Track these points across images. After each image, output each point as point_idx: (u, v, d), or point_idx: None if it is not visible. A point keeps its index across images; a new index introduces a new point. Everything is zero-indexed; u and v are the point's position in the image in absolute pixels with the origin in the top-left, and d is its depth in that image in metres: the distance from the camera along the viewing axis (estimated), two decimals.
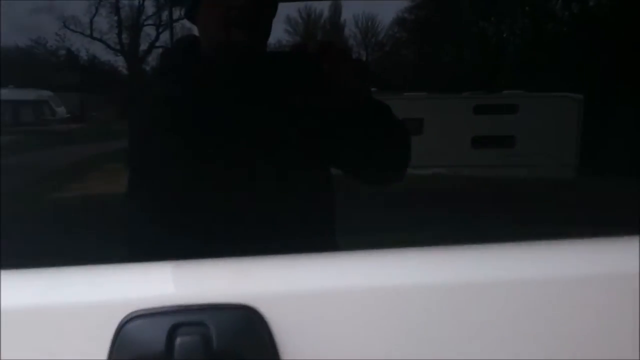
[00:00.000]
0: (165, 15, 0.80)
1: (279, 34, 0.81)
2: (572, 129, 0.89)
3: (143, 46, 0.82)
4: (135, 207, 0.82)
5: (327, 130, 0.81)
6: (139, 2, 0.80)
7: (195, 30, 0.80)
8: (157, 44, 0.81)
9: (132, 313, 0.65)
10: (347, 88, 0.79)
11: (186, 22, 0.81)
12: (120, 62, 0.82)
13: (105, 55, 0.80)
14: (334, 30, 0.85)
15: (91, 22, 0.78)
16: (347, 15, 0.85)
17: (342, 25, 0.85)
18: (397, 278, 0.71)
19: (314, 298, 0.69)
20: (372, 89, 0.87)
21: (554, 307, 0.70)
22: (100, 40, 0.79)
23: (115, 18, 0.79)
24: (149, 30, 0.80)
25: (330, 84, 0.79)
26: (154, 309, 0.65)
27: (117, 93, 0.85)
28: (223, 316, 0.66)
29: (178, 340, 0.63)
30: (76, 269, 0.71)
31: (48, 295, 0.69)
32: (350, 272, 0.72)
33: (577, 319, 0.70)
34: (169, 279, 0.72)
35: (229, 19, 0.78)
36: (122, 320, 0.65)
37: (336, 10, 0.84)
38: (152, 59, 0.84)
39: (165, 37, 0.81)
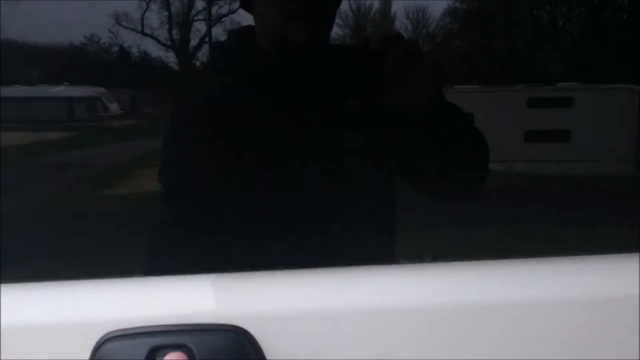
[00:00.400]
0: (215, 9, 0.80)
1: None
2: (633, 122, 0.86)
3: (194, 41, 0.82)
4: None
5: (392, 135, 0.74)
6: None
7: (250, 22, 0.77)
8: (207, 38, 0.80)
9: (109, 333, 0.60)
10: (416, 88, 0.70)
11: (236, 17, 0.80)
12: (171, 58, 0.82)
13: (156, 51, 0.81)
14: (384, 22, 0.83)
15: (142, 18, 0.78)
16: (397, 6, 0.83)
17: (392, 17, 0.83)
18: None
19: (310, 318, 0.62)
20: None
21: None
22: (151, 36, 0.79)
23: (166, 14, 0.79)
24: (199, 26, 0.80)
25: (396, 84, 0.69)
26: (133, 329, 0.59)
27: (168, 89, 0.85)
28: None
29: None
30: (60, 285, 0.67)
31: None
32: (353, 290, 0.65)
33: None
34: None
35: (287, 10, 0.72)
36: (99, 341, 0.59)
37: (386, 1, 0.83)
38: (203, 54, 0.83)
39: (216, 31, 0.80)
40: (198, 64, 0.83)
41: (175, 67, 0.83)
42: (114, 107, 0.84)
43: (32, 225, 0.79)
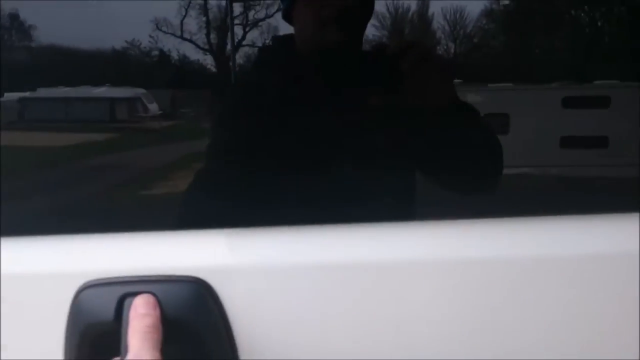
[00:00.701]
0: (253, 14, 0.81)
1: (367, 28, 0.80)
2: None
3: (231, 45, 0.83)
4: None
5: (411, 134, 0.81)
6: (227, 3, 0.81)
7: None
8: (246, 42, 0.82)
9: (87, 283, 0.69)
10: (429, 88, 0.79)
11: (272, 21, 0.81)
12: (209, 61, 0.83)
13: (195, 54, 0.82)
14: (421, 23, 0.83)
15: (181, 23, 0.79)
16: (435, 8, 0.82)
17: (429, 19, 0.82)
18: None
19: (267, 272, 0.71)
20: (456, 81, 0.85)
21: None
22: (190, 40, 0.81)
23: (204, 19, 0.81)
24: (237, 30, 0.81)
25: (411, 84, 0.79)
26: (107, 279, 0.70)
27: (208, 90, 0.87)
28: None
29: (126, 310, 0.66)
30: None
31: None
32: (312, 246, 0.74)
33: None
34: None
35: (324, 16, 0.79)
36: (78, 289, 0.69)
37: (424, 2, 0.82)
38: (240, 57, 0.85)
39: (252, 35, 0.81)
40: (236, 66, 0.84)
41: (214, 70, 0.85)
42: (153, 107, 0.87)
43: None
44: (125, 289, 0.68)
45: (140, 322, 0.64)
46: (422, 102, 0.80)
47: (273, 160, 0.80)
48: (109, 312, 0.67)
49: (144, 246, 0.76)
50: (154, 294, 0.67)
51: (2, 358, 0.75)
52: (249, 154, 0.82)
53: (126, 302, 0.67)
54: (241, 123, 0.84)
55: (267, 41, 0.82)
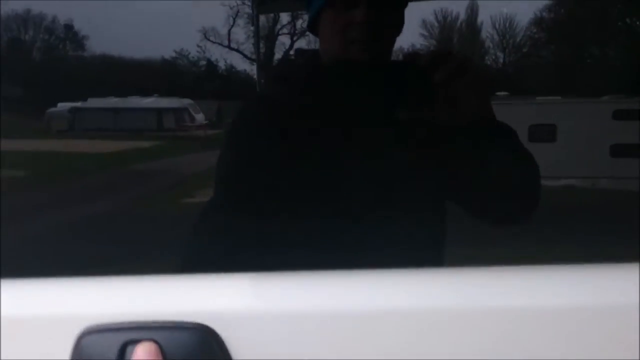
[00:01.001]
0: (300, 23, 0.81)
1: (415, 37, 0.79)
2: None
3: (277, 55, 0.83)
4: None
5: (441, 155, 0.76)
6: (275, 15, 0.81)
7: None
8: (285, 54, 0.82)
9: (88, 328, 0.65)
10: (462, 101, 0.73)
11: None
12: (254, 71, 0.84)
13: (241, 64, 0.83)
14: (470, 32, 0.82)
15: (229, 33, 0.80)
16: (483, 16, 0.81)
17: (478, 27, 0.81)
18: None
19: (274, 318, 0.66)
20: (503, 94, 0.83)
21: None
22: (237, 50, 0.81)
23: (252, 29, 0.81)
24: (283, 39, 0.82)
25: (443, 100, 0.73)
26: (108, 324, 0.65)
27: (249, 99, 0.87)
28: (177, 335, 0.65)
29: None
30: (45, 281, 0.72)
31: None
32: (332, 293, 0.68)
33: None
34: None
35: (348, 34, 0.76)
36: (79, 334, 0.65)
37: (473, 11, 0.81)
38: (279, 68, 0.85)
39: (300, 44, 0.82)
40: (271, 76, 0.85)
41: (258, 79, 0.85)
42: (200, 117, 0.87)
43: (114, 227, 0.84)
44: (128, 335, 0.65)
45: None
46: (452, 120, 0.74)
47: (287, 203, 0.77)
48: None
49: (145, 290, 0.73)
50: (156, 342, 0.64)
51: None
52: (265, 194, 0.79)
53: (128, 349, 0.64)
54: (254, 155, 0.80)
55: (291, 54, 0.82)
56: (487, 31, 0.81)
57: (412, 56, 0.77)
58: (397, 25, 0.77)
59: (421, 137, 0.75)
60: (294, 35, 0.82)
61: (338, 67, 0.77)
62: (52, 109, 0.86)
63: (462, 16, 0.80)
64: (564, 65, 0.87)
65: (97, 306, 0.69)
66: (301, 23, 0.81)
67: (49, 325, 0.68)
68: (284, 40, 0.82)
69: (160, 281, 0.72)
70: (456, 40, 0.83)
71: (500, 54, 0.83)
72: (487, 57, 0.83)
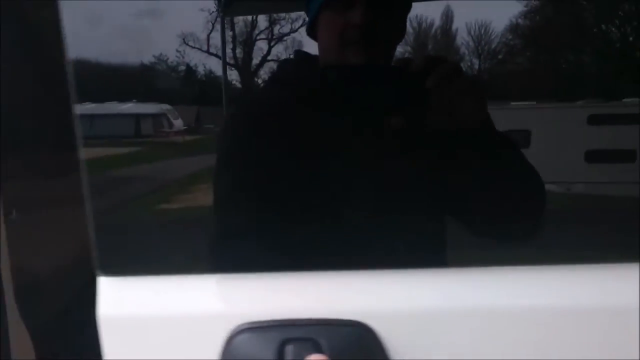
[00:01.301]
0: (277, 30, 0.82)
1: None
2: None
3: (255, 60, 0.84)
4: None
5: (436, 161, 0.76)
6: (252, 18, 0.82)
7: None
8: (269, 57, 0.83)
9: (241, 325, 0.64)
10: (456, 106, 0.73)
11: (297, 36, 0.82)
12: (234, 76, 0.84)
13: (219, 69, 0.83)
14: (445, 38, 0.83)
15: (208, 37, 0.81)
16: (458, 22, 0.82)
17: (453, 34, 0.82)
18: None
19: (429, 316, 0.65)
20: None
21: None
22: (215, 55, 0.82)
23: (230, 34, 0.82)
24: (262, 45, 0.82)
25: (437, 105, 0.72)
26: (263, 322, 0.64)
27: (230, 105, 0.87)
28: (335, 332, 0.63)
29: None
30: (186, 278, 0.72)
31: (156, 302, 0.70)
32: (466, 290, 0.68)
33: None
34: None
35: (345, 37, 0.76)
36: (231, 332, 0.64)
37: (447, 18, 0.82)
38: (264, 72, 0.85)
39: (277, 49, 0.82)
40: (260, 80, 0.85)
41: (238, 85, 0.85)
42: (178, 123, 0.87)
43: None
44: (285, 333, 0.63)
45: None
46: (448, 125, 0.73)
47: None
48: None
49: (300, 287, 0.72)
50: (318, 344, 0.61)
51: None
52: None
53: (287, 348, 0.62)
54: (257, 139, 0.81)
55: (290, 55, 0.81)
56: (462, 37, 0.82)
57: (405, 61, 0.77)
58: (397, 29, 0.78)
59: (414, 142, 0.75)
60: (271, 40, 0.82)
61: (331, 70, 0.77)
62: None
63: (437, 22, 0.82)
64: (539, 71, 0.88)
65: (245, 304, 0.68)
66: (279, 29, 0.82)
67: (196, 324, 0.67)
68: (261, 45, 0.83)
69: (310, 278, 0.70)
70: (431, 46, 0.83)
71: (475, 60, 0.84)
72: (462, 64, 0.84)
